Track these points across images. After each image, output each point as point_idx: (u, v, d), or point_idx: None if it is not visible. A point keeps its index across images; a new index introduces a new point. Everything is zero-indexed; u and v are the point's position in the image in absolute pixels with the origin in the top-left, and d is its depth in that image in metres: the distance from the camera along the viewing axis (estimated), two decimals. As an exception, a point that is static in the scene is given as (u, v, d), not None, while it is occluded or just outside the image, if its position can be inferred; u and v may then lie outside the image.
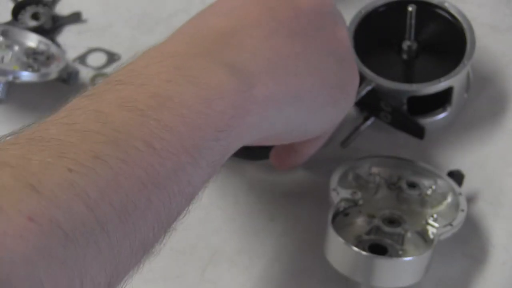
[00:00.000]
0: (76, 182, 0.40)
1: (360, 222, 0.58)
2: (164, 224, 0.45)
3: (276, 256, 0.60)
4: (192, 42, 0.49)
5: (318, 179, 0.63)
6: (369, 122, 0.64)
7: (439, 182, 0.60)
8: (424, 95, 0.63)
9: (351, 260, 0.55)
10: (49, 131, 0.43)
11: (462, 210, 0.58)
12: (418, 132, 0.64)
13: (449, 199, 0.59)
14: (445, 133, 0.65)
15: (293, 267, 0.60)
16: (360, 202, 0.59)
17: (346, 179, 0.60)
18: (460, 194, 0.59)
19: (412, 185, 0.60)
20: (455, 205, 0.58)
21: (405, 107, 0.63)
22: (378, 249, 0.56)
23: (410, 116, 0.63)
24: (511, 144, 0.65)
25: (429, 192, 0.59)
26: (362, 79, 0.62)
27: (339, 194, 0.59)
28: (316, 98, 0.53)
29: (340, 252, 0.56)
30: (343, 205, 0.59)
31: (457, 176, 0.61)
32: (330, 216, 0.57)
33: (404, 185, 0.60)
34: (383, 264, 0.55)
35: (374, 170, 0.61)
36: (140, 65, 0.47)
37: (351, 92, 0.56)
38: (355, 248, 0.55)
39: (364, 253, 0.55)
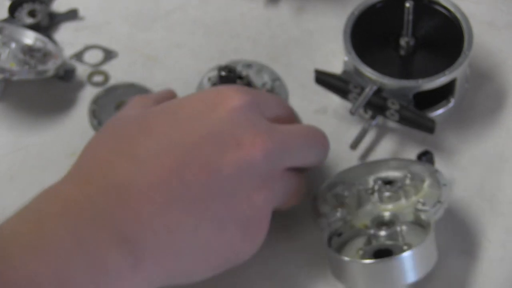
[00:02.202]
0: None
1: (356, 237, 0.58)
2: None
3: (275, 254, 0.60)
4: (94, 200, 0.51)
5: (323, 179, 0.62)
6: (374, 122, 0.64)
7: (412, 168, 0.60)
8: (428, 90, 0.63)
9: (366, 274, 0.55)
10: None
11: (445, 185, 0.58)
12: (429, 127, 0.63)
13: (428, 180, 0.59)
14: (442, 130, 0.65)
15: (292, 265, 0.60)
16: (348, 217, 0.59)
17: (327, 202, 0.60)
18: (436, 171, 0.59)
19: (389, 182, 0.60)
20: (436, 183, 0.58)
21: (412, 103, 0.63)
22: (384, 254, 0.55)
23: (420, 112, 0.63)
24: (508, 141, 0.65)
25: (407, 181, 0.59)
26: (366, 80, 0.63)
27: (327, 218, 0.59)
28: (197, 272, 0.54)
29: (352, 271, 0.55)
30: (333, 226, 0.58)
31: (427, 157, 0.61)
32: (325, 239, 0.57)
33: (381, 186, 0.60)
34: (395, 264, 0.54)
35: (348, 183, 0.61)
36: (44, 231, 0.49)
37: (239, 260, 0.56)
38: (364, 261, 0.54)
39: (370, 261, 0.54)
